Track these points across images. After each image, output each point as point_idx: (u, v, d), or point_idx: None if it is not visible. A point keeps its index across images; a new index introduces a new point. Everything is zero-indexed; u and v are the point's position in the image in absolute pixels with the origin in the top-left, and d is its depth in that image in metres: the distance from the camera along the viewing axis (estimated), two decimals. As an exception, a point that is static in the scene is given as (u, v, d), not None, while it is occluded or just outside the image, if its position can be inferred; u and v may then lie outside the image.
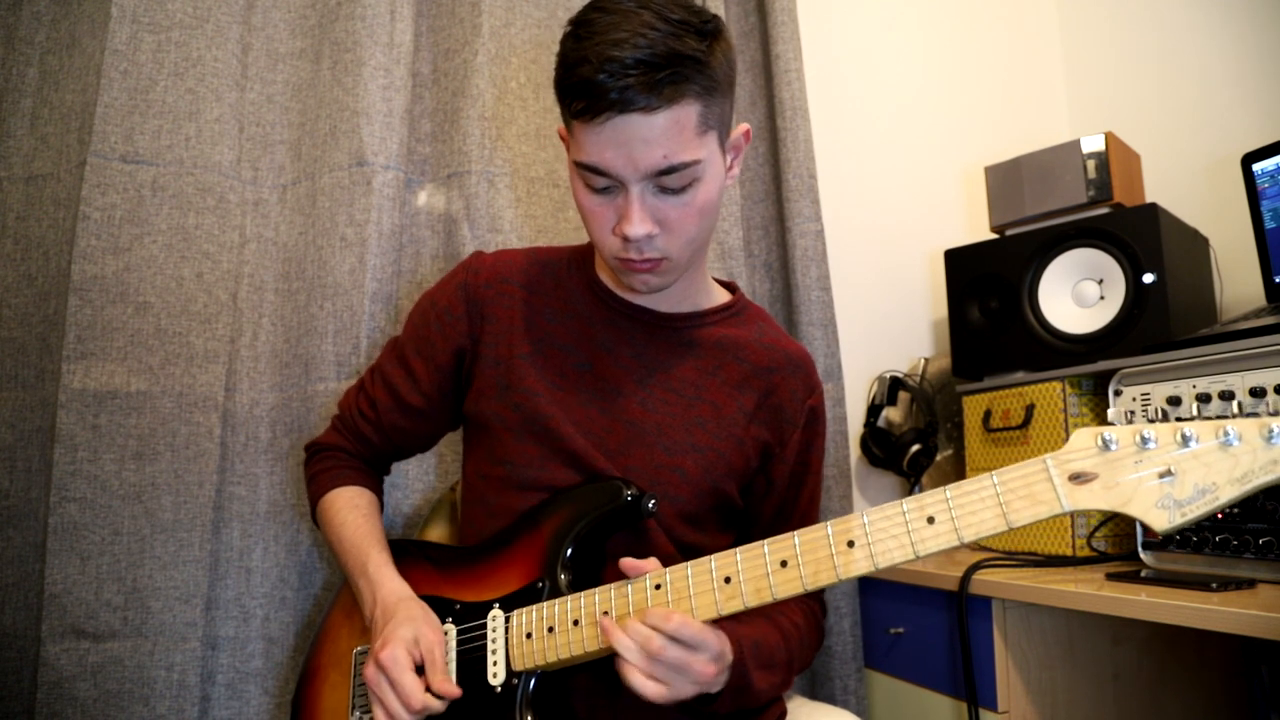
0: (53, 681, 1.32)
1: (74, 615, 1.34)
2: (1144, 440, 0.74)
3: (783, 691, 1.18)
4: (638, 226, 1.02)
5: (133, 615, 1.37)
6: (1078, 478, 0.77)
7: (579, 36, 0.98)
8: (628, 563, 1.00)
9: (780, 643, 1.12)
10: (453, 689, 1.02)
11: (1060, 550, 1.55)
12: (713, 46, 1.00)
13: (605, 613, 0.99)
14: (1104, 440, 0.76)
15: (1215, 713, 1.53)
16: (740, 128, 1.11)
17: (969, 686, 1.35)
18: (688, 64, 0.96)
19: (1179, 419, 1.28)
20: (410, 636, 1.03)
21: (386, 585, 1.11)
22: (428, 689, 1.01)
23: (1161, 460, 0.74)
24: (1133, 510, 0.74)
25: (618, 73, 0.94)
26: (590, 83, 0.95)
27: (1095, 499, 0.76)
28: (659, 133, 0.97)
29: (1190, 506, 0.71)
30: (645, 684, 0.92)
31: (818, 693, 1.70)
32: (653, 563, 1.00)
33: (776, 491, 1.22)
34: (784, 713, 1.24)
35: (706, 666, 0.94)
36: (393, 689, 1.00)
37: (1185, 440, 0.73)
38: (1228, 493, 0.70)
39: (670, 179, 1.00)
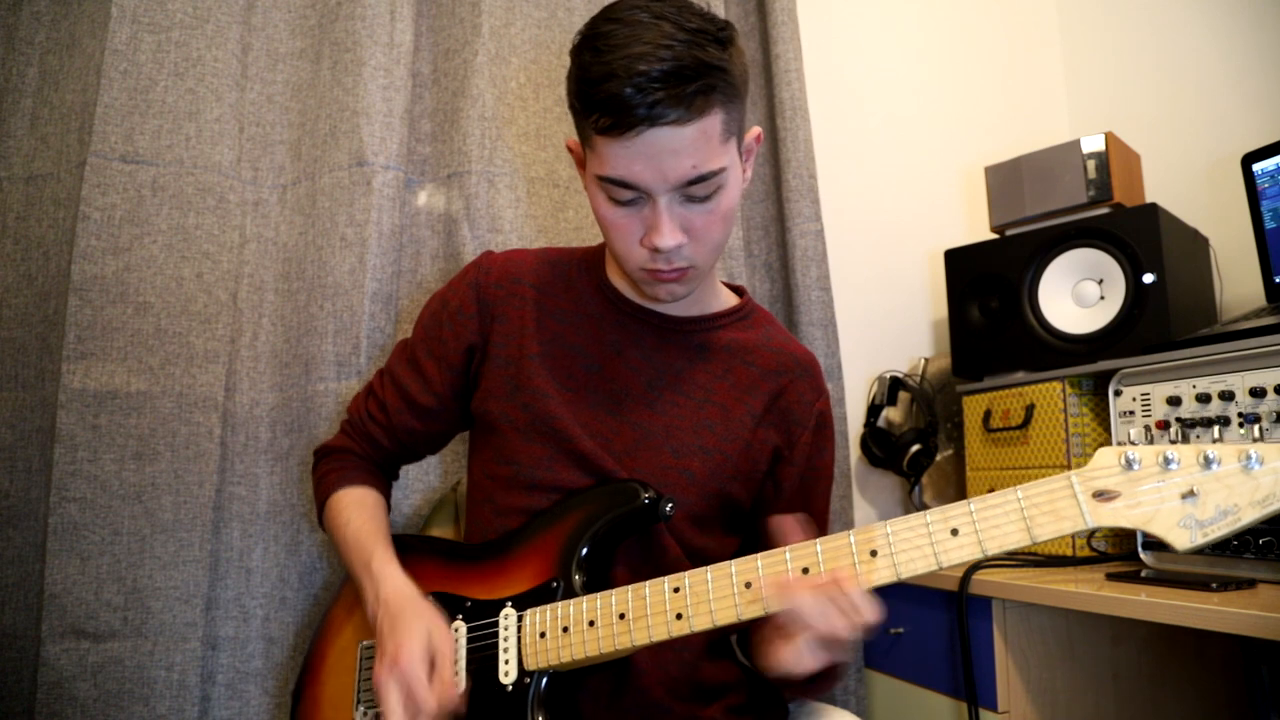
0: (53, 681, 1.32)
1: (74, 615, 1.34)
2: (1167, 461, 0.75)
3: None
4: (669, 238, 1.01)
5: (133, 615, 1.37)
6: (1101, 495, 0.77)
7: (598, 49, 0.96)
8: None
9: None
10: (453, 695, 1.00)
11: (1060, 550, 1.56)
12: (730, 54, 0.99)
13: (622, 615, 0.98)
14: (1127, 459, 0.77)
15: (1215, 713, 1.54)
16: (752, 131, 1.10)
17: (969, 686, 1.36)
18: (714, 74, 0.95)
19: (1179, 419, 1.32)
20: (424, 643, 1.01)
21: (390, 583, 1.09)
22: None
23: (1184, 481, 0.75)
24: (1155, 529, 0.75)
25: (646, 86, 0.92)
26: (618, 97, 0.93)
27: (1118, 517, 0.77)
28: (688, 144, 0.96)
29: (1212, 527, 0.72)
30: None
31: (818, 692, 1.71)
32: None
33: (785, 496, 1.21)
34: (786, 713, 1.24)
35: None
36: (407, 698, 0.98)
37: (1208, 462, 0.74)
38: (1249, 515, 0.71)
39: (697, 188, 1.00)
